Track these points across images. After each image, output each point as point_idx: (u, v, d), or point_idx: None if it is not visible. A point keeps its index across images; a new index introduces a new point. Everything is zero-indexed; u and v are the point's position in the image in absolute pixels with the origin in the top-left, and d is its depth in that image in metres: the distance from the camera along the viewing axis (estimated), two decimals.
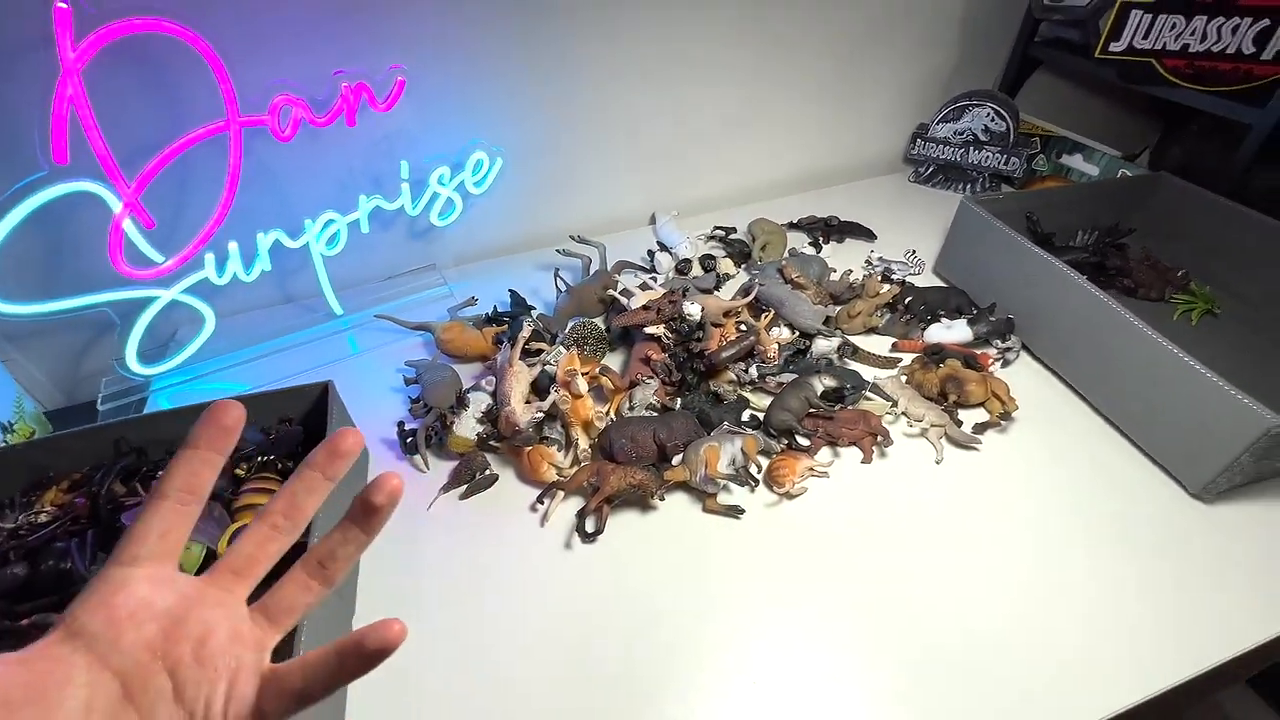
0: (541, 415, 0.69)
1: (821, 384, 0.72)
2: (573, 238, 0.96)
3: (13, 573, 0.52)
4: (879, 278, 0.91)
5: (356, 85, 0.77)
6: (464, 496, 0.69)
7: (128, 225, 0.72)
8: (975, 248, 0.89)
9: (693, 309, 0.78)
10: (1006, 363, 0.81)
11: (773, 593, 0.60)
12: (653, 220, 1.15)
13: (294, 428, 0.65)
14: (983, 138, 1.14)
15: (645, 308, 0.79)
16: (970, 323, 0.82)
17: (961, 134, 1.15)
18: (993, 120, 1.12)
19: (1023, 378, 0.79)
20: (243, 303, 0.93)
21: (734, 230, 1.07)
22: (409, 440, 0.72)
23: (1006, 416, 0.73)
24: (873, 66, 1.16)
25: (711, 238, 1.07)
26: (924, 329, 0.85)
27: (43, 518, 0.57)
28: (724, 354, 0.74)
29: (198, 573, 0.28)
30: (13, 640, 0.50)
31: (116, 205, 0.70)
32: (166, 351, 0.86)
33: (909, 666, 0.55)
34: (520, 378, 0.73)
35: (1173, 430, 0.67)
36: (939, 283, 0.96)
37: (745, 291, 0.86)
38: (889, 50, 1.14)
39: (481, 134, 0.93)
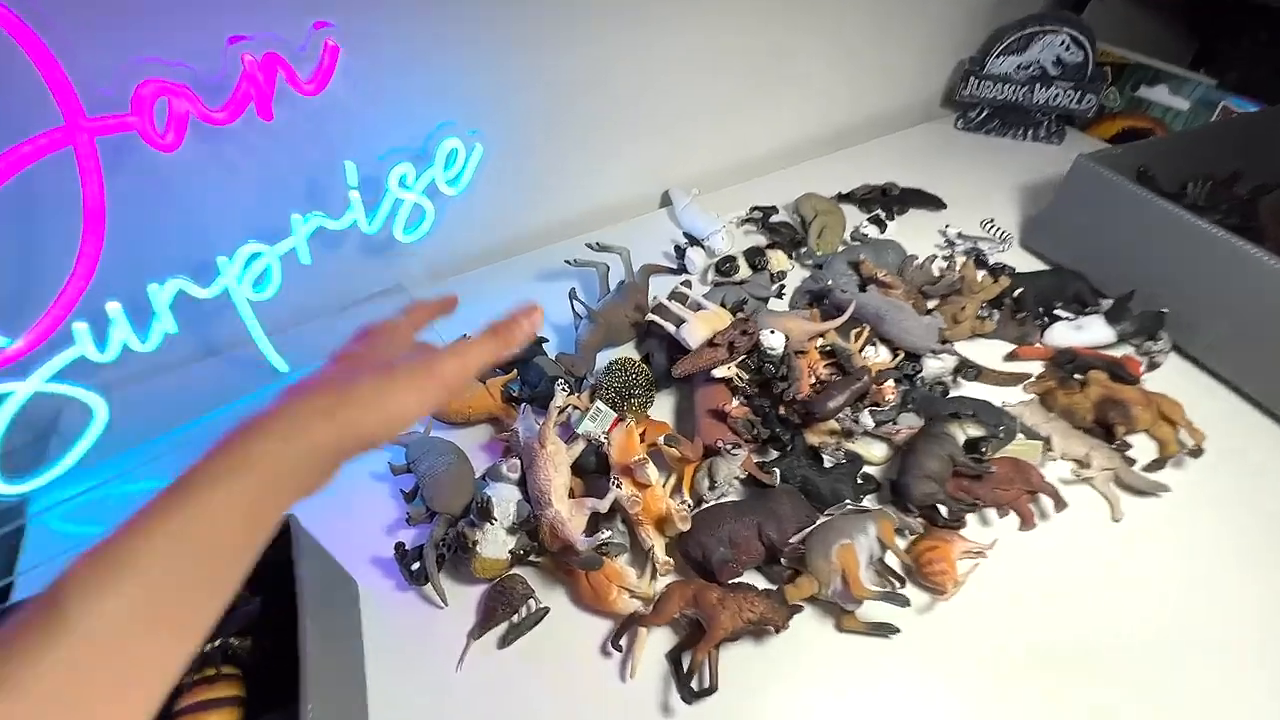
0: (609, 531, 0.50)
1: (965, 432, 0.54)
2: (591, 245, 0.73)
3: None
4: (973, 264, 0.73)
5: (265, 58, 0.52)
6: (505, 643, 0.49)
7: None
8: (1090, 215, 0.72)
9: (774, 339, 0.58)
10: (1154, 366, 0.65)
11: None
12: (665, 201, 0.93)
13: (249, 603, 0.44)
14: (1052, 71, 0.95)
15: (713, 343, 0.59)
16: (1109, 319, 0.65)
17: (1027, 68, 0.95)
18: (1067, 49, 0.92)
19: (1178, 388, 0.63)
20: (149, 366, 0.68)
21: (774, 210, 0.86)
22: (414, 567, 0.52)
23: (1197, 452, 0.57)
24: None
25: (748, 220, 0.86)
26: (1043, 328, 0.68)
27: None
28: (833, 403, 0.55)
29: None
30: None
31: None
32: (48, 454, 0.62)
33: None
34: (559, 463, 0.53)
35: None
36: (1034, 262, 0.79)
37: (819, 300, 0.67)
38: None
39: (452, 114, 0.69)
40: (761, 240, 0.83)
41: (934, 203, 0.87)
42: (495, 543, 0.51)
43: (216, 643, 0.44)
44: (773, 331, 0.59)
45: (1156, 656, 0.48)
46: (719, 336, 0.59)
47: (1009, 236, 0.82)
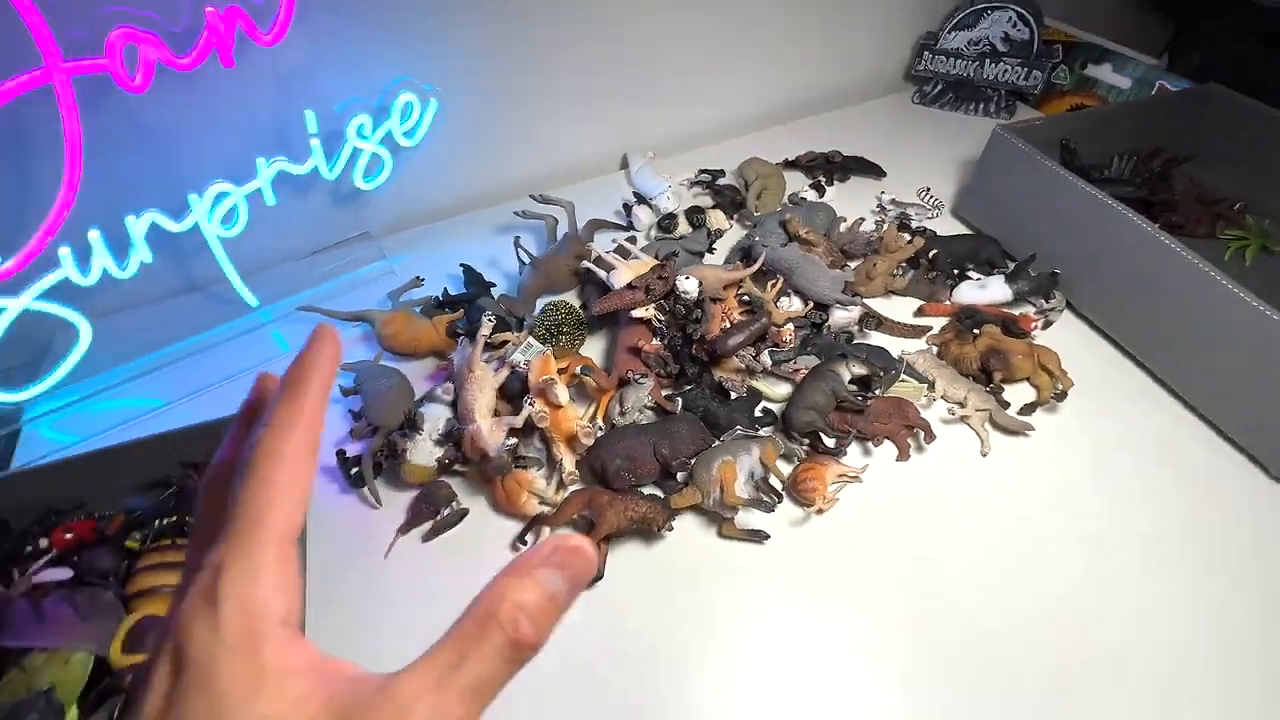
0: (512, 443, 0.56)
1: (850, 371, 0.60)
2: (533, 197, 0.79)
3: None
4: (895, 226, 0.78)
5: (228, 10, 0.58)
6: (427, 538, 0.56)
7: None
8: (1006, 184, 0.76)
9: (688, 284, 0.64)
10: (1049, 323, 0.71)
11: (802, 622, 0.51)
12: (624, 164, 0.98)
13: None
14: (1001, 47, 0.98)
15: (631, 286, 0.65)
16: (1008, 279, 0.71)
17: (977, 44, 0.99)
18: (1014, 26, 0.96)
19: (1068, 342, 0.68)
20: (130, 298, 0.76)
21: (722, 173, 0.91)
22: (353, 471, 0.59)
23: (1061, 396, 0.62)
24: None
25: (696, 183, 0.91)
26: (953, 288, 0.73)
27: None
28: (732, 341, 0.61)
29: None
30: None
31: None
32: (41, 371, 0.69)
33: (963, 686, 0.47)
34: (485, 385, 0.60)
35: (1254, 402, 0.58)
36: (962, 229, 0.84)
37: (747, 255, 0.72)
38: None
39: (409, 70, 0.74)
40: (708, 201, 0.88)
41: (875, 170, 0.92)
42: (423, 452, 0.58)
43: (171, 519, 0.51)
44: (688, 278, 0.65)
45: (1005, 564, 0.54)
46: (638, 280, 0.64)
47: (940, 204, 0.86)
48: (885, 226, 0.77)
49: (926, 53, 1.03)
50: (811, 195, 0.87)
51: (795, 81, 1.06)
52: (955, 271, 0.75)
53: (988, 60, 0.99)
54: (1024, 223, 0.75)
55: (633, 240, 0.81)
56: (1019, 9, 0.94)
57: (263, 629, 0.16)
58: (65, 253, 0.61)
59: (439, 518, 0.57)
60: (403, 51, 0.73)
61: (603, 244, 0.76)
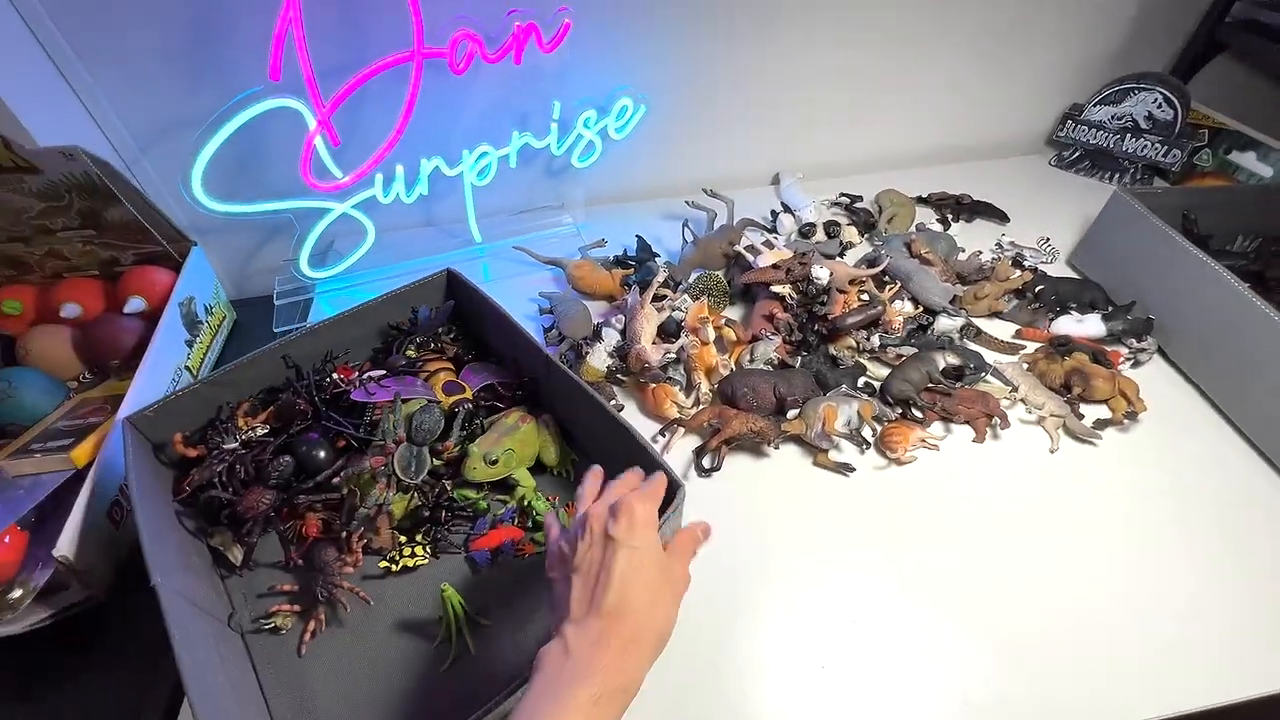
0: (672, 356, 0.74)
1: (944, 360, 0.73)
2: (705, 191, 0.98)
3: (284, 461, 0.62)
4: (1009, 262, 0.90)
5: (527, 25, 0.81)
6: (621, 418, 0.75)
7: (318, 142, 0.80)
8: (1121, 241, 0.86)
9: (821, 272, 0.80)
10: (1138, 363, 0.80)
11: (870, 550, 0.64)
12: (775, 181, 1.16)
13: (445, 304, 0.76)
14: (1144, 125, 1.06)
15: (775, 266, 0.82)
16: (1105, 318, 0.80)
17: (1120, 119, 1.08)
18: (1159, 107, 1.04)
19: (1155, 382, 0.77)
20: (395, 221, 1.02)
21: (860, 199, 1.06)
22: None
23: (1132, 416, 0.72)
24: (1029, 37, 1.09)
25: (835, 204, 1.07)
26: (1052, 319, 0.84)
27: (259, 431, 0.66)
28: (849, 320, 0.76)
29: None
30: (296, 520, 0.62)
31: (312, 123, 0.78)
32: (326, 259, 0.96)
33: (994, 639, 0.57)
34: (650, 319, 0.78)
35: None
36: (1072, 275, 0.94)
37: (872, 262, 0.87)
38: (1050, 19, 1.07)
39: (630, 80, 0.96)
40: (844, 220, 1.03)
41: (999, 215, 1.03)
42: (598, 358, 0.78)
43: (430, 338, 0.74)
44: (821, 267, 0.80)
45: (1047, 546, 0.64)
46: (782, 262, 0.81)
47: (1055, 253, 0.97)
48: (999, 260, 0.89)
49: (1070, 121, 1.12)
50: (937, 228, 1.00)
51: (942, 129, 1.19)
52: (1058, 307, 0.85)
53: (1129, 135, 1.07)
54: (1130, 276, 0.84)
55: (776, 239, 0.98)
56: (1165, 91, 1.03)
57: (651, 533, 0.41)
58: (379, 178, 0.87)
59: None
60: (630, 65, 0.95)
61: (753, 239, 0.94)
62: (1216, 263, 0.73)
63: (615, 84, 0.95)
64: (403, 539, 0.63)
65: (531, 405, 0.72)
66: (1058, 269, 0.95)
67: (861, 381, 0.77)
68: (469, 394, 0.71)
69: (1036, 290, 0.86)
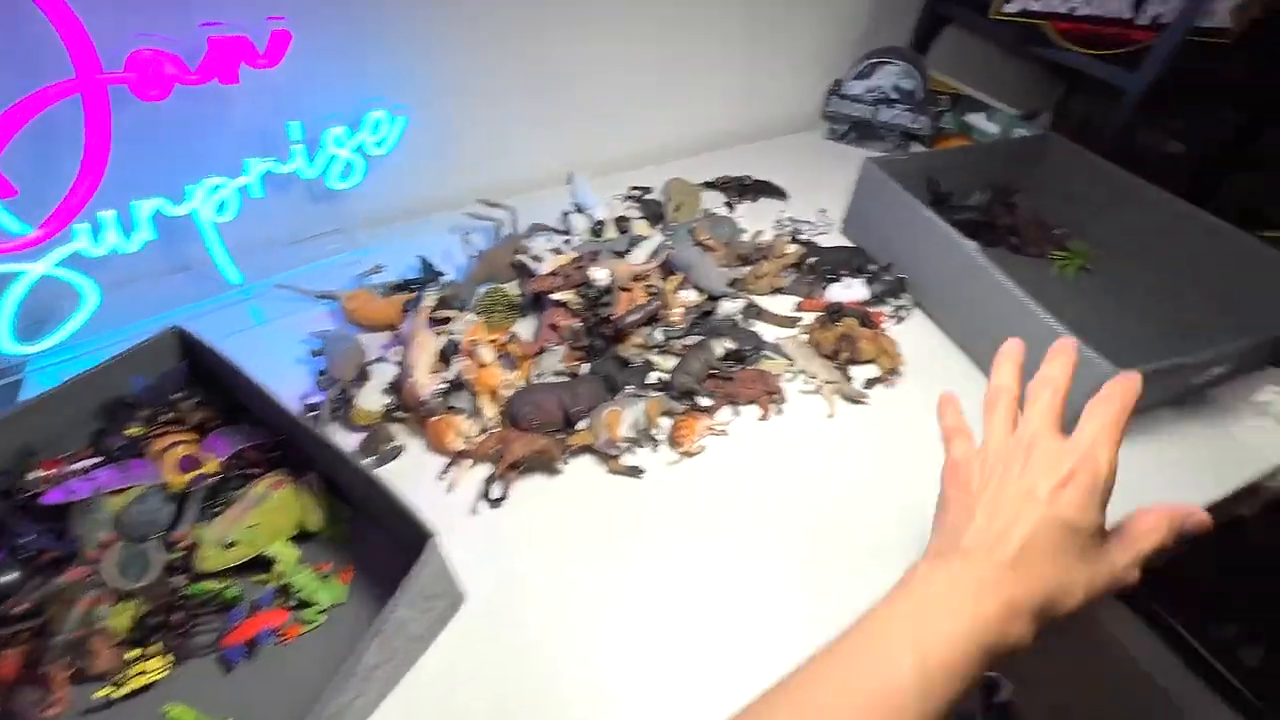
0: (446, 385, 0.70)
1: (722, 347, 0.75)
2: (480, 202, 0.94)
3: None
4: (788, 238, 0.94)
5: (233, 38, 0.72)
6: (372, 470, 0.69)
7: None
8: (873, 207, 0.93)
9: (599, 274, 0.78)
10: (900, 320, 0.86)
11: (674, 543, 0.64)
12: (569, 180, 1.14)
13: (176, 367, 0.66)
14: (894, 95, 1.16)
15: (552, 274, 0.79)
16: (868, 281, 0.86)
17: (874, 91, 1.17)
18: (903, 78, 1.13)
19: (915, 334, 0.84)
20: (130, 273, 0.88)
21: (649, 190, 1.07)
22: (314, 416, 0.71)
23: (893, 372, 0.77)
24: (788, 20, 1.15)
25: (628, 198, 1.07)
26: (825, 288, 0.88)
27: None
28: (628, 319, 0.75)
29: None
30: None
31: None
32: (44, 329, 0.81)
33: (810, 599, 0.60)
34: (426, 347, 0.73)
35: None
36: (847, 243, 1.00)
37: (656, 255, 0.87)
38: (804, 3, 1.14)
39: (383, 91, 0.89)
40: (636, 213, 1.03)
41: (779, 193, 1.08)
42: (369, 398, 0.71)
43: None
44: (599, 268, 0.79)
45: (860, 498, 0.68)
46: (558, 269, 0.79)
47: (831, 223, 1.02)
48: (777, 237, 0.93)
49: (833, 96, 1.20)
50: (723, 211, 1.03)
51: (723, 113, 1.23)
52: (830, 276, 0.90)
53: (883, 106, 1.16)
54: (885, 239, 0.91)
55: (568, 242, 0.96)
56: (905, 64, 1.12)
57: (1094, 509, 0.33)
58: (82, 227, 0.74)
59: (380, 453, 0.70)
60: (378, 76, 0.88)
61: (540, 246, 0.91)
62: (942, 220, 0.80)
63: (363, 96, 0.88)
64: (135, 654, 0.53)
65: (293, 466, 0.65)
66: (834, 239, 1.01)
67: (654, 378, 0.77)
68: (213, 466, 0.62)
69: (811, 262, 0.90)
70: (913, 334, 0.84)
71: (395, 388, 0.72)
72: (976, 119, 1.15)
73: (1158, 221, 0.89)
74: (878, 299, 0.86)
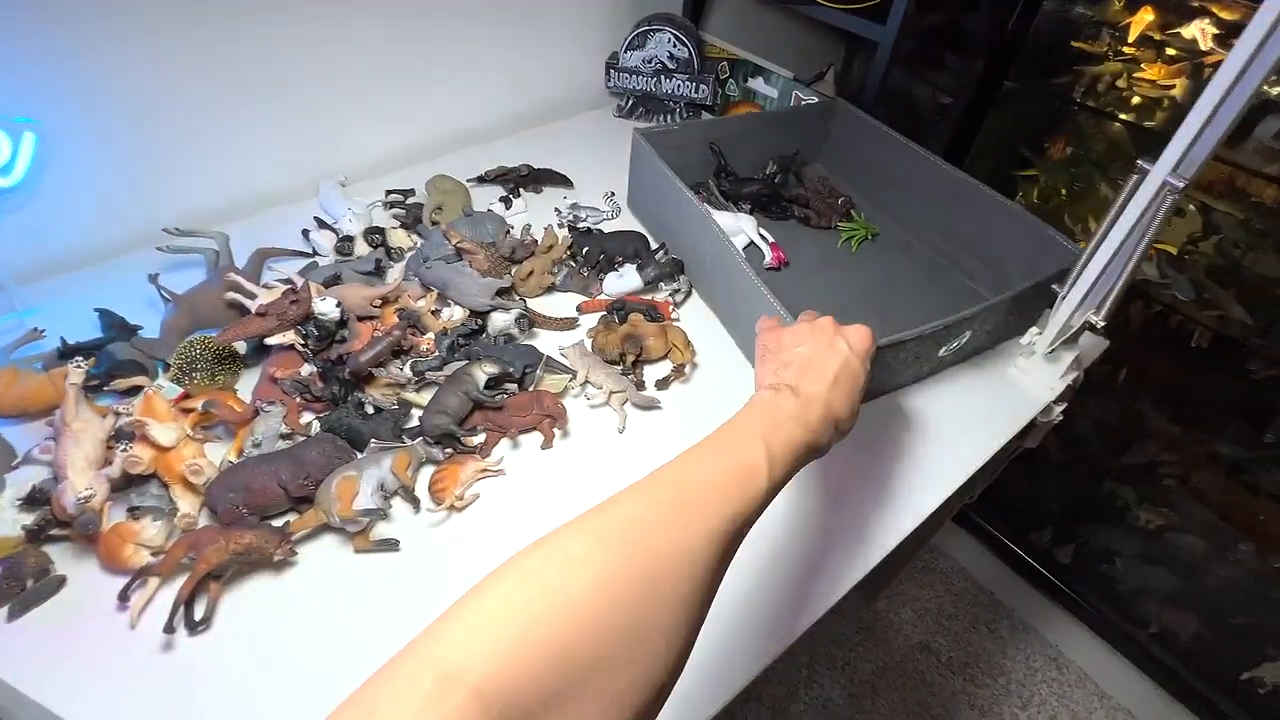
0: (91, 492, 0.52)
1: (484, 372, 0.63)
2: (169, 230, 0.75)
3: None
4: (566, 229, 0.84)
5: None
6: (13, 617, 0.51)
7: None
8: (647, 184, 0.86)
9: (325, 305, 0.64)
10: (677, 306, 0.79)
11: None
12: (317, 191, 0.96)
13: None
14: (670, 65, 1.09)
15: (261, 313, 0.63)
16: (639, 269, 0.79)
17: (650, 62, 1.09)
18: (675, 46, 1.07)
19: (699, 321, 0.78)
20: None
21: (412, 192, 0.92)
22: None
23: (681, 370, 0.70)
24: None
25: (389, 205, 0.91)
26: (602, 280, 0.80)
27: None
28: (363, 357, 0.62)
29: None
30: None
31: None
32: None
33: None
34: (83, 437, 0.55)
35: None
36: (637, 227, 0.92)
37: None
38: None
39: None
40: (392, 222, 0.88)
41: (563, 181, 0.98)
42: (2, 521, 0.52)
43: None
44: (324, 299, 0.64)
45: None
46: (266, 306, 0.63)
47: (619, 207, 0.94)
48: (545, 229, 0.83)
49: (612, 71, 1.11)
50: (499, 208, 0.91)
51: (499, 100, 1.10)
52: (608, 266, 0.81)
53: (662, 76, 1.10)
54: (661, 218, 0.84)
55: (314, 265, 0.80)
56: (674, 31, 1.06)
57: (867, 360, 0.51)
58: None
59: (25, 591, 0.51)
60: None
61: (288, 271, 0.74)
62: (691, 192, 0.75)
63: None
64: None
65: None
66: (625, 222, 0.93)
67: (415, 422, 0.64)
68: None
69: (584, 252, 0.81)
70: (698, 322, 0.78)
71: (36, 498, 0.54)
72: (756, 84, 1.12)
73: (936, 188, 0.87)
74: (652, 285, 0.79)
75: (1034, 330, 0.73)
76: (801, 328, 0.51)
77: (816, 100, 1.03)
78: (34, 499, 0.54)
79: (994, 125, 1.25)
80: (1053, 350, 0.71)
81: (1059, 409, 0.74)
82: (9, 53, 0.67)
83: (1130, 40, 1.09)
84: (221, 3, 0.77)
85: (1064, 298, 0.65)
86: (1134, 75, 1.11)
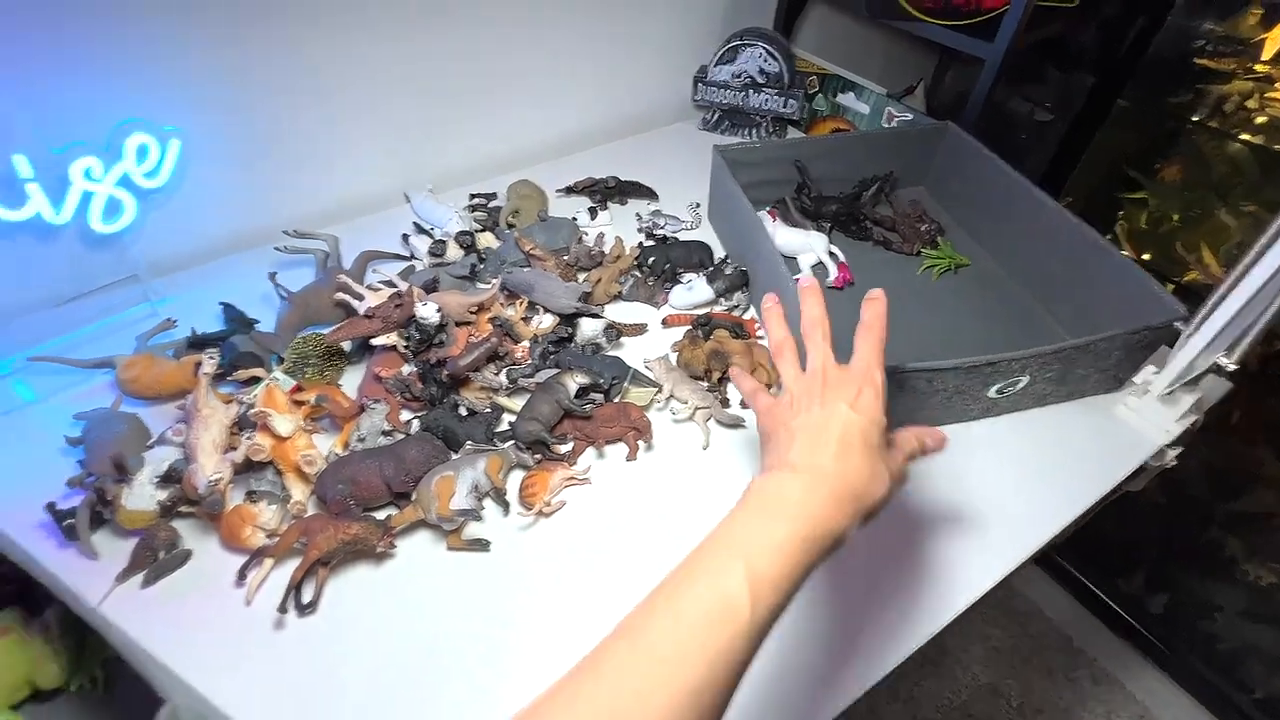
0: (231, 468, 0.56)
1: (575, 382, 0.65)
2: (288, 233, 0.80)
3: None
4: (645, 234, 0.85)
5: None
6: (146, 583, 0.56)
7: None
8: (723, 199, 0.86)
9: (426, 310, 0.67)
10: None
11: (539, 621, 0.54)
12: (408, 198, 1.01)
13: None
14: (759, 79, 1.09)
15: (368, 316, 0.67)
16: (709, 279, 0.78)
17: (740, 76, 1.09)
18: (766, 60, 1.07)
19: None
20: None
21: (494, 196, 0.96)
22: (65, 524, 0.57)
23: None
24: (646, 4, 1.06)
25: (472, 209, 0.95)
26: (669, 291, 0.80)
27: None
28: (462, 362, 0.64)
29: None
30: None
31: None
32: None
33: None
34: (211, 422, 0.60)
35: None
36: (714, 238, 0.92)
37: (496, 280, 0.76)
38: None
39: (142, 110, 0.73)
40: (479, 226, 0.91)
41: (649, 193, 0.99)
42: (142, 496, 0.57)
43: None
44: (426, 304, 0.68)
45: None
46: (373, 309, 0.67)
47: (700, 217, 0.95)
48: (615, 239, 0.84)
49: (700, 84, 1.12)
50: (584, 218, 0.93)
51: (585, 111, 1.12)
52: (674, 275, 0.82)
53: (751, 90, 1.09)
54: (736, 231, 0.84)
55: (412, 269, 0.84)
56: (766, 45, 1.05)
57: (879, 408, 0.42)
58: None
59: (157, 562, 0.56)
60: (132, 92, 0.73)
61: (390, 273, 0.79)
62: (751, 207, 0.76)
63: (114, 119, 0.72)
64: None
65: (29, 603, 0.51)
66: (701, 233, 0.93)
67: (506, 425, 0.66)
68: None
69: (650, 261, 0.81)
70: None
71: (171, 477, 0.58)
72: (847, 99, 1.10)
73: (1040, 226, 0.80)
74: (722, 296, 0.79)
75: (1150, 369, 0.68)
76: (795, 395, 0.44)
77: (915, 118, 1.00)
78: (169, 477, 0.58)
79: (1100, 144, 1.19)
80: (1170, 392, 0.67)
81: (1173, 453, 0.69)
82: (164, 69, 0.74)
83: (1265, 57, 1.01)
84: (332, 32, 0.82)
85: (1190, 336, 0.61)
86: (1266, 94, 1.03)
